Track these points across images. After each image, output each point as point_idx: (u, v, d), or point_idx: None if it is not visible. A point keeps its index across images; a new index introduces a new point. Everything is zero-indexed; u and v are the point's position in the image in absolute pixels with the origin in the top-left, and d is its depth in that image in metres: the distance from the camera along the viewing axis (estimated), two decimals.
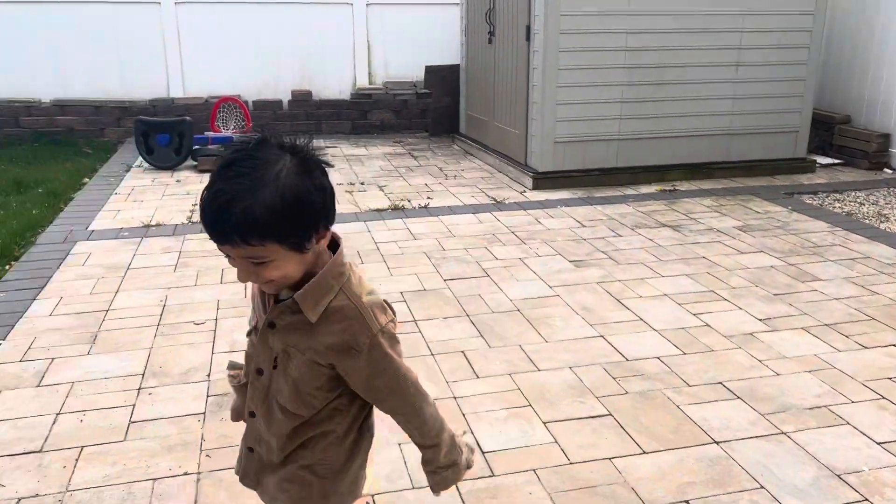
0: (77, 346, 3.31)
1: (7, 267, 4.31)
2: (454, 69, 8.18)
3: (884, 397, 2.83)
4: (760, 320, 3.52)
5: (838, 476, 2.37)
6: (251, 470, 1.58)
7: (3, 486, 2.36)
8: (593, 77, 5.87)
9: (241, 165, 1.23)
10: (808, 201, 5.64)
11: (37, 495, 2.31)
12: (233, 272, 4.13)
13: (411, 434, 1.51)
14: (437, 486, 1.56)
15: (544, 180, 6.01)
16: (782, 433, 2.60)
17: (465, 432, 1.74)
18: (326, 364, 1.38)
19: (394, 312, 1.45)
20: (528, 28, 5.94)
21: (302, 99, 8.67)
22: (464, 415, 2.74)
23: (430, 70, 8.48)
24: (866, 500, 2.25)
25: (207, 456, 2.51)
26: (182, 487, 2.34)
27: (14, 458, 2.50)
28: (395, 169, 6.91)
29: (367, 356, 1.36)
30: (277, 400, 1.43)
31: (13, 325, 3.51)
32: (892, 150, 6.55)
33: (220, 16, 8.41)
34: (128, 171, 6.78)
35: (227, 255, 1.30)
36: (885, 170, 6.55)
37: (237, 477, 1.65)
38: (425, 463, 1.53)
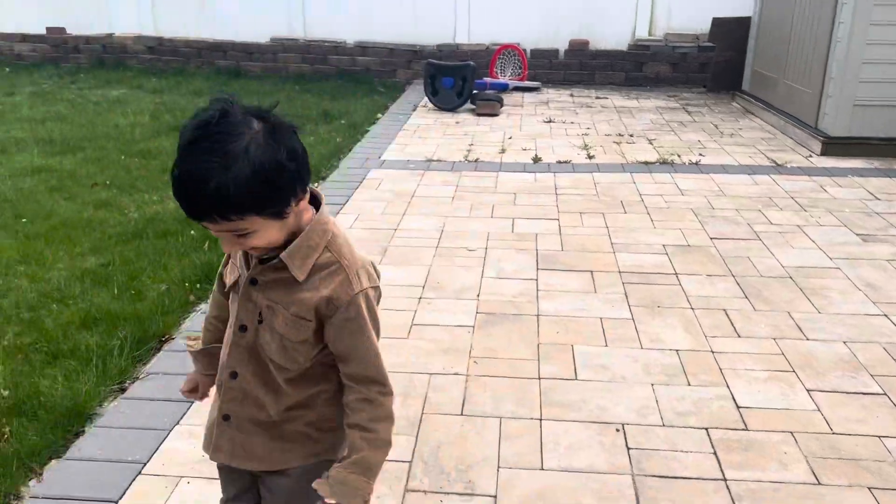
0: (371, 255, 3.80)
1: (316, 185, 5.02)
2: (743, 22, 7.66)
3: None
4: None
5: None
6: (224, 442, 1.45)
7: None
8: None
9: (207, 142, 1.16)
10: None
11: None
12: (502, 208, 4.45)
13: (359, 412, 1.36)
14: (333, 487, 1.34)
15: (836, 146, 5.50)
16: None
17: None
18: (311, 319, 1.33)
19: (379, 278, 1.41)
20: None
21: (578, 49, 8.73)
22: (720, 369, 2.74)
23: (716, 22, 8.04)
24: None
25: (475, 362, 2.81)
26: (453, 384, 2.67)
27: None
28: (667, 123, 6.75)
29: (343, 313, 1.32)
30: (267, 354, 1.38)
31: None
32: None
33: None
34: (414, 109, 7.42)
35: (206, 228, 1.25)
36: None
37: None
38: (351, 448, 1.35)
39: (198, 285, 3.45)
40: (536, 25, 8.79)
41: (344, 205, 4.57)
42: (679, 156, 5.61)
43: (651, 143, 6.02)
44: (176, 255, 3.79)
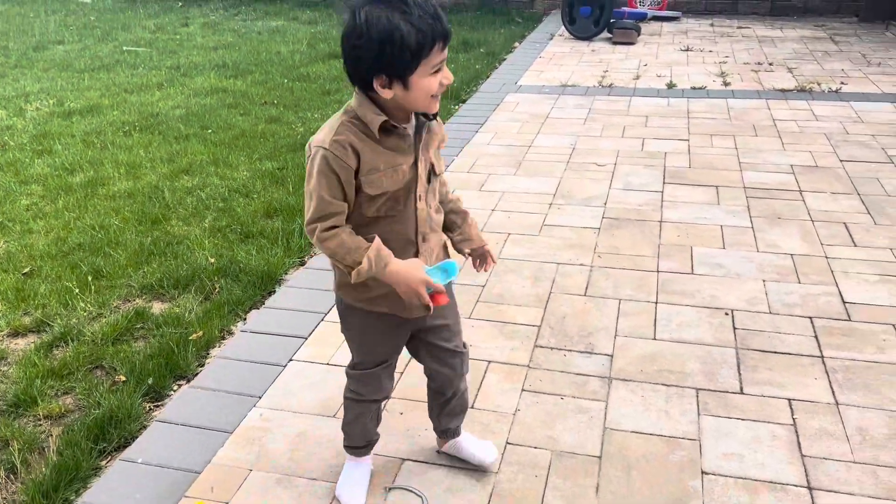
0: (506, 167, 4.20)
1: (456, 107, 5.42)
2: None
3: None
4: None
5: None
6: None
7: None
8: None
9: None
10: None
11: None
12: (633, 129, 4.71)
13: None
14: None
15: None
16: None
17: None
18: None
19: None
20: None
21: None
22: (832, 271, 2.94)
23: None
24: None
25: (599, 256, 3.16)
26: (578, 272, 3.03)
27: None
28: (811, 52, 6.59)
29: None
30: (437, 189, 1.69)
31: (462, 148, 4.54)
32: None
33: None
34: (550, 39, 7.61)
35: (440, 65, 1.47)
36: None
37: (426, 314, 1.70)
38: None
39: None
40: None
41: (483, 125, 4.95)
42: (819, 84, 5.54)
43: (790, 72, 5.95)
44: None
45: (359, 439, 1.93)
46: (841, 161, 4.07)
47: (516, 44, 7.45)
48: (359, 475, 1.94)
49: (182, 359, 2.54)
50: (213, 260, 3.22)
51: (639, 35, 7.33)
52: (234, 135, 4.85)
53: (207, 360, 2.57)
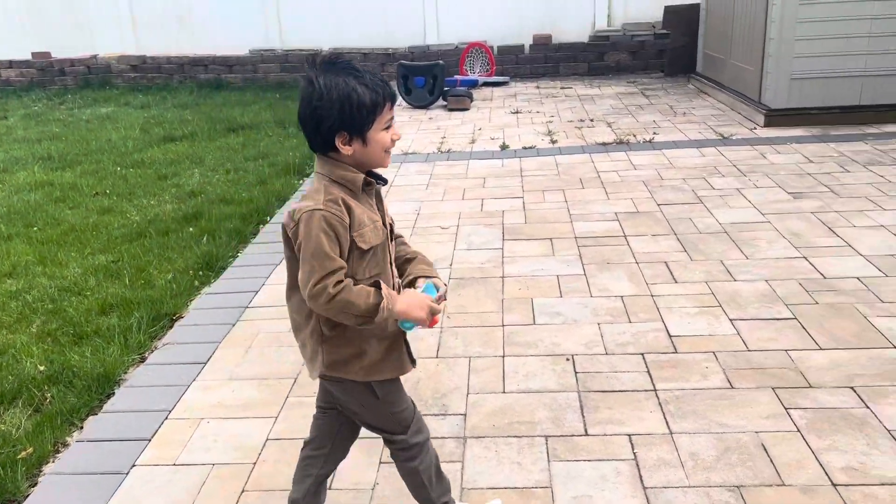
0: None
1: (301, 181, 5.44)
2: (693, 8, 8.15)
3: None
4: None
5: None
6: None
7: None
8: (838, 11, 5.66)
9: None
10: None
11: None
12: (473, 191, 4.87)
13: None
14: None
15: (777, 117, 5.97)
16: None
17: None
18: None
19: None
20: None
21: (542, 43, 9.19)
22: (658, 308, 3.19)
23: (669, 10, 8.53)
24: None
25: (448, 317, 3.24)
26: (429, 335, 3.09)
27: None
28: (626, 107, 7.21)
29: None
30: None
31: None
32: None
33: None
34: None
35: (390, 122, 1.63)
36: None
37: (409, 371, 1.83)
38: None
39: (200, 272, 3.87)
40: (502, 23, 9.26)
41: None
42: (635, 136, 6.07)
43: (609, 126, 6.48)
44: (178, 248, 4.20)
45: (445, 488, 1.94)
46: (658, 205, 4.45)
47: None
48: None
49: (10, 481, 2.32)
50: (42, 368, 3.00)
51: (472, 101, 7.73)
52: (62, 230, 4.59)
53: (40, 479, 2.37)
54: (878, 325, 2.92)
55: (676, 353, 2.84)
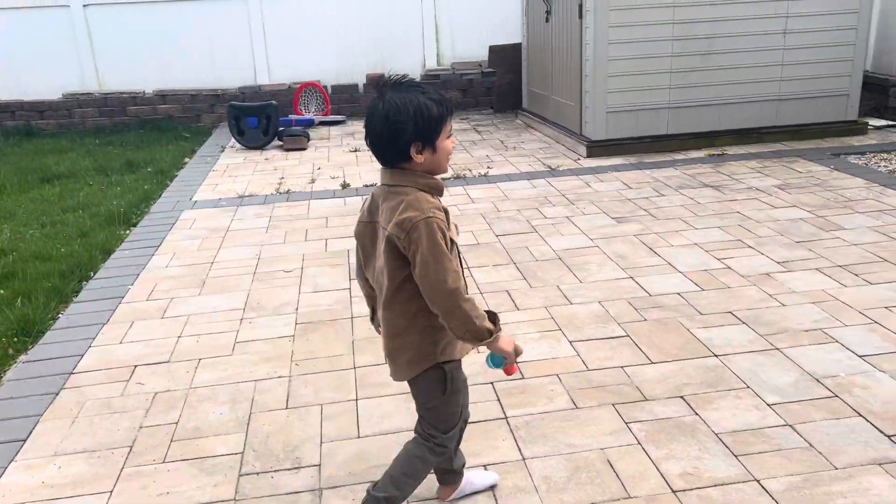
0: (189, 288, 4.03)
1: (126, 232, 5.11)
2: (516, 48, 8.63)
3: (876, 321, 3.21)
4: (778, 263, 3.91)
5: (816, 380, 2.79)
6: None
7: (142, 384, 3.06)
8: (643, 49, 6.22)
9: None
10: (852, 161, 5.86)
11: (168, 391, 3.01)
12: (316, 231, 4.80)
13: None
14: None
15: (598, 148, 6.42)
16: (775, 349, 3.03)
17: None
18: None
19: None
20: (581, 6, 6.35)
21: (375, 82, 9.30)
22: None
23: (493, 49, 8.96)
24: (836, 396, 2.67)
25: (296, 364, 3.14)
26: (278, 385, 2.99)
27: (149, 367, 3.21)
28: (460, 143, 7.45)
29: None
30: None
31: (138, 275, 4.27)
32: None
33: (301, 7, 9.12)
34: (222, 151, 7.60)
35: (451, 131, 1.87)
36: None
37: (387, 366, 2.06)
38: None
39: (15, 339, 3.50)
40: (334, 62, 9.29)
41: (158, 246, 4.71)
42: (470, 170, 6.28)
43: None
44: None
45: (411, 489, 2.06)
46: (497, 236, 4.62)
47: (186, 159, 7.30)
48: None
49: None
50: None
51: (309, 140, 7.66)
52: None
53: None
54: (700, 336, 3.19)
55: (524, 378, 2.93)
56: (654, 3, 6.12)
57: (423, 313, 1.87)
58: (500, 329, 1.87)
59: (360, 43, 9.28)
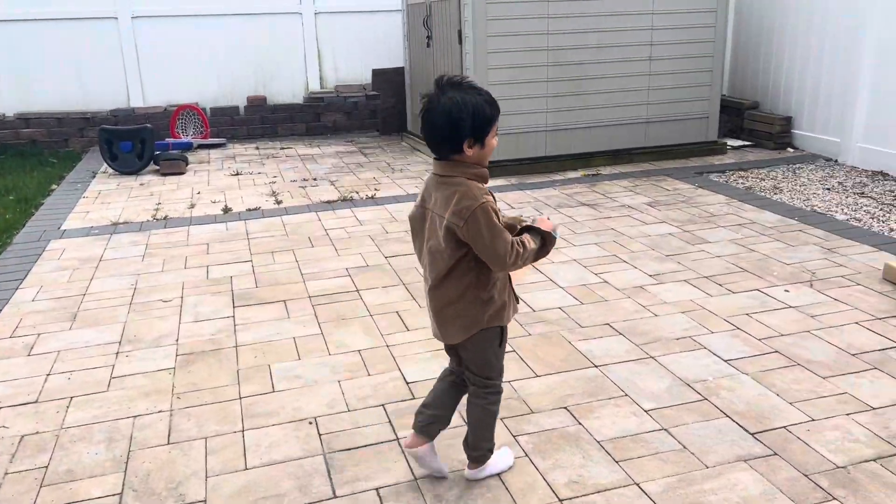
0: (59, 322, 3.79)
1: None
2: (399, 71, 8.74)
3: (738, 328, 3.46)
4: (650, 276, 4.14)
5: (687, 384, 2.97)
6: None
7: (6, 427, 2.84)
8: (521, 75, 6.47)
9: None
10: (714, 179, 6.31)
11: (37, 433, 2.81)
12: (196, 258, 4.65)
13: None
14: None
15: None
16: (650, 357, 3.21)
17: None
18: None
19: None
20: (460, 32, 6.52)
21: (257, 104, 9.15)
22: (394, 358, 3.29)
23: (376, 73, 9.03)
24: (706, 399, 2.86)
25: (178, 398, 3.02)
26: (158, 421, 2.86)
27: (14, 408, 2.98)
28: (347, 166, 7.44)
29: None
30: None
31: (0, 310, 3.97)
32: (793, 130, 7.26)
33: (177, 28, 8.85)
34: (94, 176, 7.21)
35: (496, 130, 2.12)
36: (789, 149, 7.27)
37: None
38: None
39: None
40: (213, 85, 9.05)
41: (24, 279, 4.41)
42: (358, 192, 6.28)
43: (333, 185, 6.62)
44: None
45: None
46: (386, 258, 4.63)
47: (54, 186, 6.88)
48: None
49: None
50: None
51: (187, 164, 7.41)
52: None
53: None
54: (580, 347, 3.32)
55: (414, 398, 2.94)
56: (530, 30, 6.39)
57: (473, 287, 2.15)
58: (539, 237, 2.18)
59: (241, 66, 9.10)
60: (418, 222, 2.23)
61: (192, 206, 6.02)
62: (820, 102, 6.92)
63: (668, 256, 4.45)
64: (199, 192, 6.46)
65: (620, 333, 3.45)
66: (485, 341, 2.23)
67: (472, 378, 2.32)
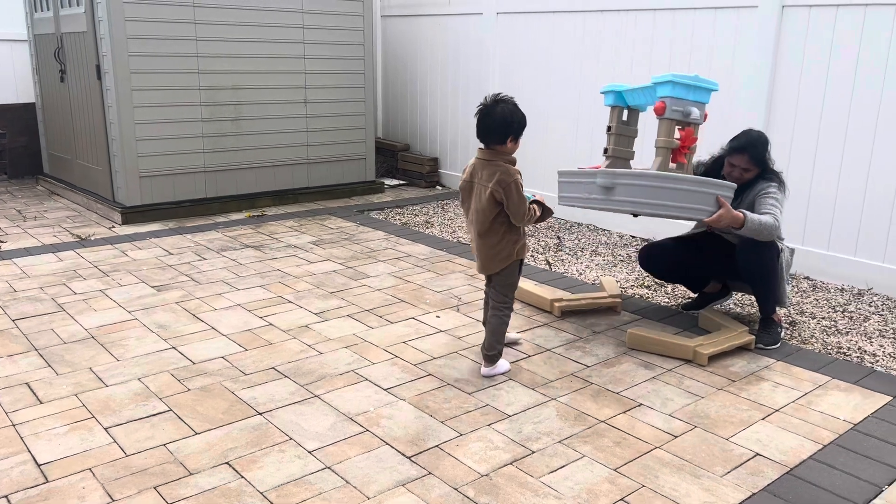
0: None
1: None
2: (29, 107, 7.73)
3: (396, 356, 3.64)
4: (315, 314, 4.18)
5: (350, 418, 3.03)
6: None
7: None
8: (172, 114, 6.15)
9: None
10: (374, 216, 6.66)
11: None
12: None
13: None
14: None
15: (134, 214, 6.09)
16: (315, 396, 3.21)
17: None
18: None
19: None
20: (99, 67, 5.99)
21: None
22: (22, 438, 2.82)
23: (2, 109, 7.87)
24: (367, 430, 2.94)
25: None
26: None
27: None
28: None
29: None
30: None
31: None
32: (441, 170, 8.01)
33: None
34: None
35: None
36: (437, 186, 7.98)
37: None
38: None
39: None
40: None
41: None
42: None
43: None
44: None
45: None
46: (14, 320, 4.00)
47: None
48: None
49: None
50: None
51: None
52: None
53: None
54: (244, 396, 3.20)
55: (48, 482, 2.55)
56: (178, 68, 6.12)
57: (507, 234, 3.24)
58: (542, 206, 3.27)
59: None
60: (466, 192, 3.28)
61: None
62: (459, 146, 7.73)
63: (332, 293, 4.54)
64: None
65: (286, 376, 3.40)
66: (513, 268, 3.32)
67: (494, 295, 3.37)
